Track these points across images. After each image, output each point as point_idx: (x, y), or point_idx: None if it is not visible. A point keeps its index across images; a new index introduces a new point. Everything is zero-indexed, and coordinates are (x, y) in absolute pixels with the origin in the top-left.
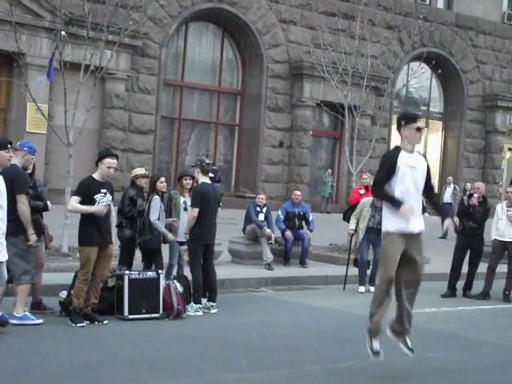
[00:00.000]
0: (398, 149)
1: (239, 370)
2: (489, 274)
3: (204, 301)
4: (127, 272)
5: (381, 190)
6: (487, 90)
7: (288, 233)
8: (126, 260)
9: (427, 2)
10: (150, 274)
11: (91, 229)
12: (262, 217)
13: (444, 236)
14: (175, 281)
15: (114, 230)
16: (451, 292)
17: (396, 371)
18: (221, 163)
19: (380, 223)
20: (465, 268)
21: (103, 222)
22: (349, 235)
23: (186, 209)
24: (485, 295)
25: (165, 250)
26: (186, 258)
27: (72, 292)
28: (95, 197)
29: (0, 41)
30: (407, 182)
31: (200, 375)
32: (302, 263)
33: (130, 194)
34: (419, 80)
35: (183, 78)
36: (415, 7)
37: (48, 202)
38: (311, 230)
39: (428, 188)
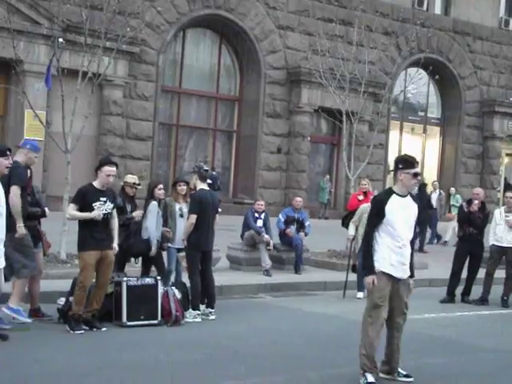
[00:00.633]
0: (389, 192)
1: (238, 377)
2: (487, 279)
3: (202, 307)
4: (125, 278)
5: (366, 242)
6: (485, 95)
7: (289, 230)
8: (117, 267)
9: (424, 7)
10: (148, 280)
11: (88, 234)
12: (260, 223)
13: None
14: (173, 287)
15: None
16: (450, 298)
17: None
18: (219, 169)
19: None
20: (464, 273)
21: (101, 228)
22: (348, 241)
23: (181, 215)
24: (483, 301)
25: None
26: (183, 264)
27: (70, 299)
28: (93, 205)
29: None
30: (400, 227)
31: (198, 382)
32: (297, 270)
33: (117, 202)
34: (417, 86)
35: (181, 85)
36: (412, 13)
37: (46, 209)
38: (306, 234)
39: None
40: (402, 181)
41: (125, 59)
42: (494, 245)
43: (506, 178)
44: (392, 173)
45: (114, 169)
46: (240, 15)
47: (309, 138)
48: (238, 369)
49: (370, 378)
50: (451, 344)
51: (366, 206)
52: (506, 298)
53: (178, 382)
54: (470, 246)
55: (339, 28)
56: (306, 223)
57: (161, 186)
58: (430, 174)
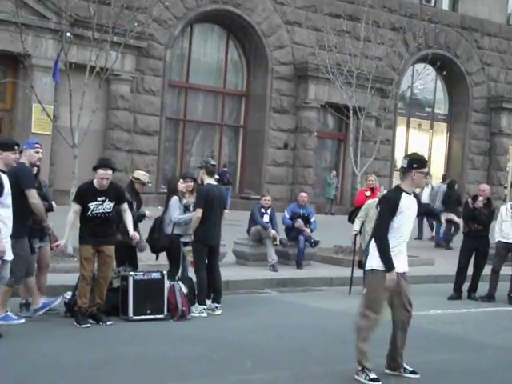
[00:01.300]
0: (399, 190)
1: (244, 372)
2: (493, 276)
3: (208, 302)
4: (132, 273)
5: (382, 239)
6: (492, 91)
7: (298, 224)
8: (121, 263)
9: (432, 3)
10: (155, 274)
11: (85, 228)
12: (266, 218)
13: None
14: (180, 282)
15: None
16: (457, 294)
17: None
18: (225, 164)
19: None
20: (470, 270)
21: (99, 225)
22: (352, 236)
23: (188, 209)
24: (490, 297)
25: None
26: (190, 258)
27: (77, 293)
28: (89, 205)
29: (6, 42)
30: (405, 225)
31: (204, 376)
32: (299, 265)
33: (123, 199)
34: (424, 82)
35: (188, 80)
36: (420, 9)
37: (53, 203)
38: (312, 230)
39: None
40: (414, 180)
41: (132, 54)
42: (500, 241)
43: None
44: (399, 170)
45: (109, 172)
46: (247, 10)
47: (315, 134)
48: (244, 363)
49: (373, 374)
50: (457, 341)
51: (371, 202)
52: None
53: (183, 376)
54: (476, 242)
55: (347, 23)
56: (312, 219)
57: (182, 180)
58: (437, 170)
